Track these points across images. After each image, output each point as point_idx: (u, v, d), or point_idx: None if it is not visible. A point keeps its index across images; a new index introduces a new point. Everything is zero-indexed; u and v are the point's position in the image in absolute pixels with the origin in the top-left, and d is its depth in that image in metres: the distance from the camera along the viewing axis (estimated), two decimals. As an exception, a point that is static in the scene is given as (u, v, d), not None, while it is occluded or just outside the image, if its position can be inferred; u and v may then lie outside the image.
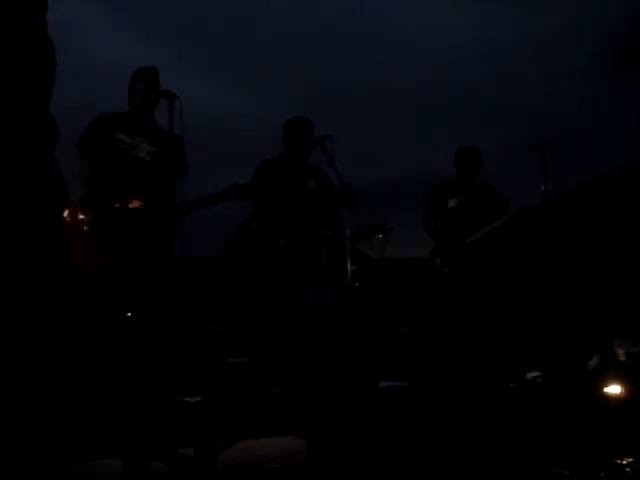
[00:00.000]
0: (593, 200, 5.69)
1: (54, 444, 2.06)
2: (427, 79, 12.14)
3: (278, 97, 11.87)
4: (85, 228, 3.36)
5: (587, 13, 11.61)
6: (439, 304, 4.72)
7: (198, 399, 3.44)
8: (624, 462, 2.71)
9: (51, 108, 2.09)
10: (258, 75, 12.44)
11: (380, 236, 4.33)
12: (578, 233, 5.54)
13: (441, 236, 4.88)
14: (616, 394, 3.73)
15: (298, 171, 4.40)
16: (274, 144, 4.58)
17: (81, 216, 3.38)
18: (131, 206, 3.41)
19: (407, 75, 12.14)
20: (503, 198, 4.92)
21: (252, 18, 12.35)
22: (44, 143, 2.01)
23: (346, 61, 12.24)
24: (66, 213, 3.38)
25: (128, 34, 11.72)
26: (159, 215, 3.43)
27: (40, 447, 1.92)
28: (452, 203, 4.85)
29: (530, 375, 4.38)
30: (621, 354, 4.34)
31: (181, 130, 3.45)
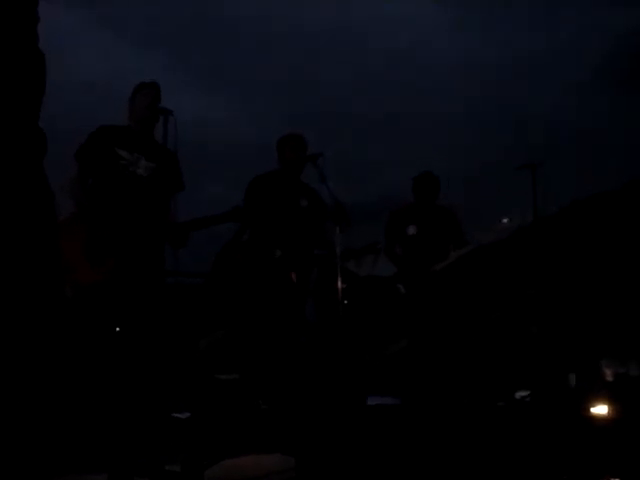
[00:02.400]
0: (579, 221, 5.75)
1: (41, 460, 2.04)
2: (422, 95, 12.22)
3: (268, 111, 11.93)
4: (79, 244, 3.33)
5: (585, 30, 11.74)
6: (413, 330, 4.72)
7: (187, 415, 3.42)
8: (610, 483, 2.72)
9: (43, 120, 2.09)
10: (243, 88, 12.52)
11: (370, 256, 4.35)
12: (564, 254, 5.59)
13: (401, 262, 4.89)
14: (603, 414, 3.74)
15: (291, 189, 4.42)
16: (266, 157, 4.62)
17: (74, 232, 3.35)
18: None
19: (398, 90, 12.21)
20: (460, 225, 4.97)
21: (249, 33, 12.45)
22: (32, 155, 2.01)
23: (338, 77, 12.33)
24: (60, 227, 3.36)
25: (124, 47, 11.77)
26: (161, 234, 3.42)
27: (27, 463, 1.91)
28: (411, 230, 4.88)
29: (519, 394, 4.38)
30: (608, 374, 4.36)
31: (175, 146, 3.46)
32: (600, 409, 3.77)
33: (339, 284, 4.00)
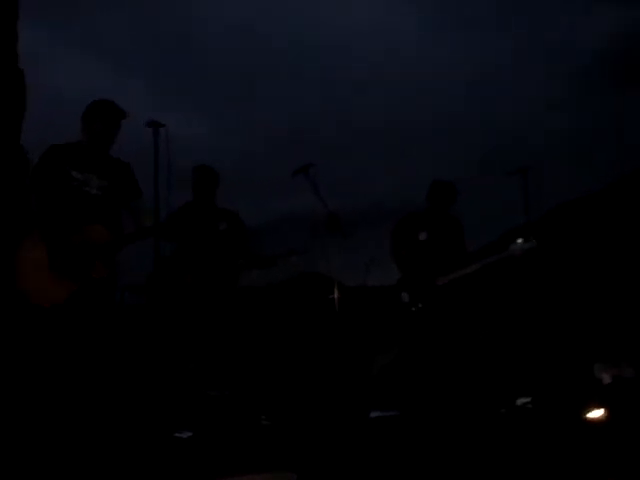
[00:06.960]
0: (567, 224, 5.79)
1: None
2: (405, 107, 12.31)
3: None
4: (40, 262, 3.33)
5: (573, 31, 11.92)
6: (412, 341, 4.68)
7: (189, 434, 3.37)
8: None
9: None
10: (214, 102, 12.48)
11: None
12: (551, 258, 5.63)
13: (408, 268, 4.83)
14: (599, 417, 3.76)
15: (208, 215, 4.40)
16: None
17: (34, 250, 3.36)
18: (95, 236, 3.45)
19: (382, 104, 12.29)
20: (463, 235, 5.00)
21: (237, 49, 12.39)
22: (15, 172, 1.99)
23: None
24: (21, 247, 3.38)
25: (95, 66, 11.65)
26: (118, 246, 3.54)
27: None
28: (423, 236, 4.84)
29: (520, 401, 4.38)
30: (606, 378, 4.39)
31: (168, 158, 3.45)
32: (596, 413, 3.79)
33: (336, 294, 3.99)
